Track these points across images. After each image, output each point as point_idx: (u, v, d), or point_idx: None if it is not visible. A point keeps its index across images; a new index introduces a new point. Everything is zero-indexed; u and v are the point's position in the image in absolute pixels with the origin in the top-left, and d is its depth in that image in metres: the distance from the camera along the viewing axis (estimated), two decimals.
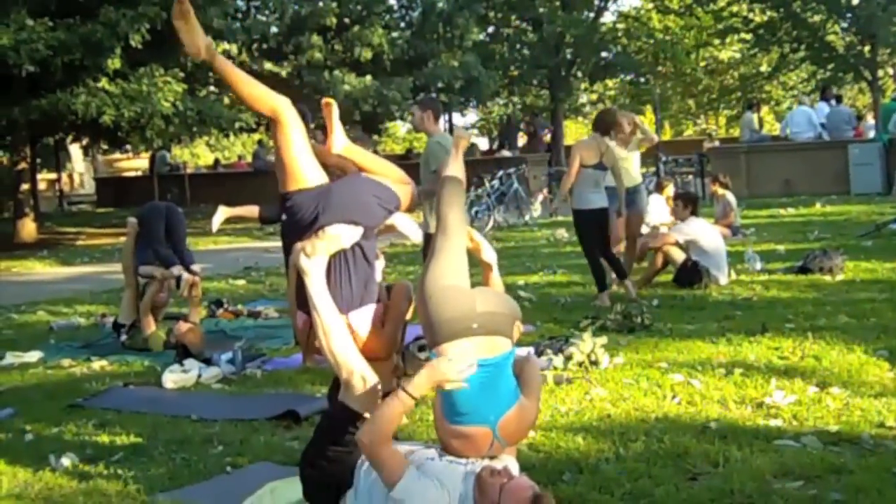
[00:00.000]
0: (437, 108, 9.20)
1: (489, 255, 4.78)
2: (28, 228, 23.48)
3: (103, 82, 19.70)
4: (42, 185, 25.04)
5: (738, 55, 40.55)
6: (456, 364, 4.18)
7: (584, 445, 5.58)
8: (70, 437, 6.45)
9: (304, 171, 4.72)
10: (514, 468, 4.54)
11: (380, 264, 5.20)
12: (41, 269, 18.09)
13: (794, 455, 5.16)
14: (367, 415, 4.58)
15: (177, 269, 9.55)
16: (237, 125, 23.91)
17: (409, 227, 5.56)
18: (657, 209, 14.88)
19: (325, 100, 5.13)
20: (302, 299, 4.71)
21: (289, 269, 5.03)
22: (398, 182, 4.94)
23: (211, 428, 6.47)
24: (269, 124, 4.74)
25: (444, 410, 4.36)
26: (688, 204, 11.37)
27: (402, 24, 30.73)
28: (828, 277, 10.83)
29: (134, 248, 9.80)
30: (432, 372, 4.20)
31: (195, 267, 9.81)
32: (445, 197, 4.71)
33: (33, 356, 9.31)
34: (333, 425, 4.68)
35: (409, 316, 5.10)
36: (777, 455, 5.18)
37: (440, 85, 28.58)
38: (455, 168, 4.77)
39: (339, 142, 5.08)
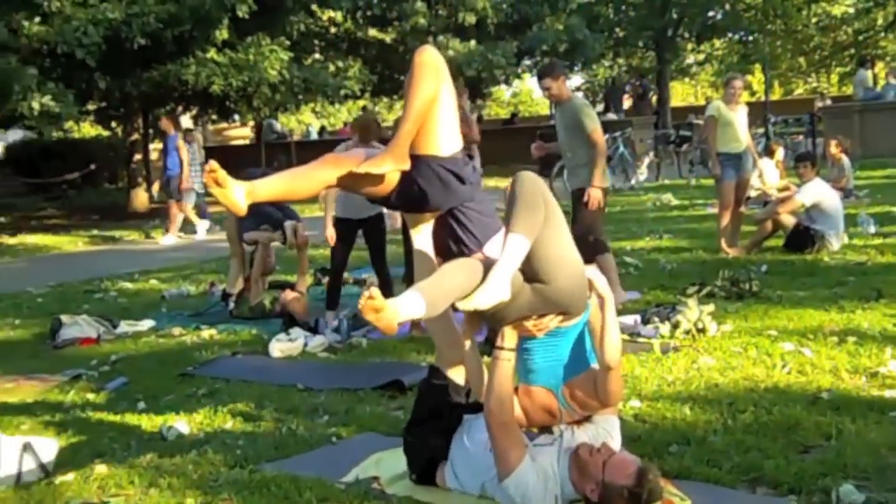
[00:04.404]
0: (565, 70, 8.99)
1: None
2: (141, 198, 24.02)
3: (212, 53, 19.94)
4: (154, 156, 25.48)
5: (851, 10, 39.30)
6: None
7: (690, 416, 5.49)
8: (180, 406, 6.57)
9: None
10: (616, 429, 4.52)
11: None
12: (153, 238, 18.45)
13: None
14: (458, 380, 4.62)
15: (288, 224, 9.64)
16: (342, 92, 24.00)
17: None
18: (768, 173, 14.57)
19: None
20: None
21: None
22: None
23: (317, 398, 6.53)
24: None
25: (518, 370, 4.47)
26: (814, 165, 11.15)
27: None
28: None
29: (237, 217, 9.87)
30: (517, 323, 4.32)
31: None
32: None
33: (145, 325, 9.56)
34: (430, 391, 4.72)
35: None
36: (893, 428, 5.03)
37: (545, 48, 28.25)
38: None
39: None
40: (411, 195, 4.53)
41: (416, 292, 4.03)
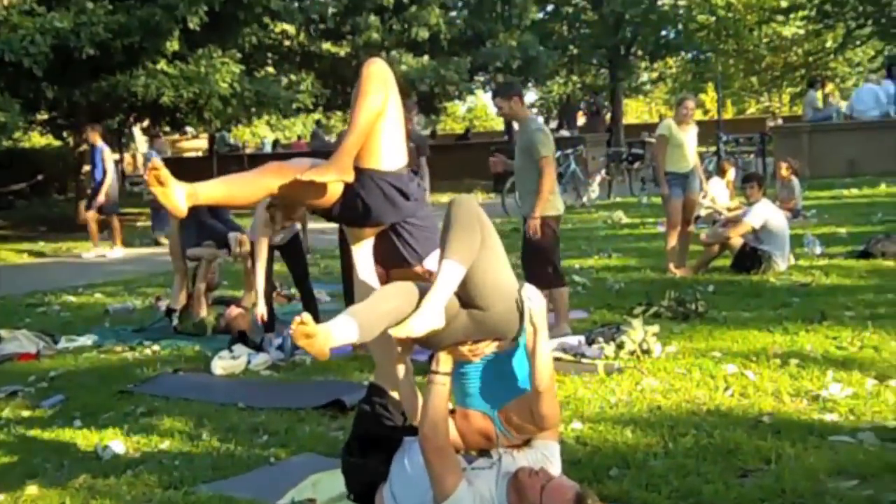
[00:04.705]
0: (520, 90, 8.73)
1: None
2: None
3: (162, 64, 19.81)
4: None
5: (801, 32, 39.81)
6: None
7: (632, 439, 5.46)
8: (118, 425, 6.46)
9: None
10: (555, 455, 4.46)
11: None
12: (101, 251, 18.21)
13: (849, 452, 5.00)
14: (394, 394, 4.55)
15: (231, 235, 9.51)
16: (294, 106, 23.89)
17: None
18: (718, 193, 14.66)
19: None
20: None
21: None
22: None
23: (257, 417, 6.45)
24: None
25: (455, 394, 4.43)
26: (761, 185, 11.21)
27: (460, 4, 30.44)
28: (890, 263, 10.57)
29: (180, 232, 9.75)
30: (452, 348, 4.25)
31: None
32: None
33: (87, 340, 9.41)
34: (369, 410, 4.65)
35: None
36: (832, 452, 5.02)
37: (498, 65, 28.33)
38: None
39: None
40: (354, 208, 4.47)
41: (349, 317, 3.96)
